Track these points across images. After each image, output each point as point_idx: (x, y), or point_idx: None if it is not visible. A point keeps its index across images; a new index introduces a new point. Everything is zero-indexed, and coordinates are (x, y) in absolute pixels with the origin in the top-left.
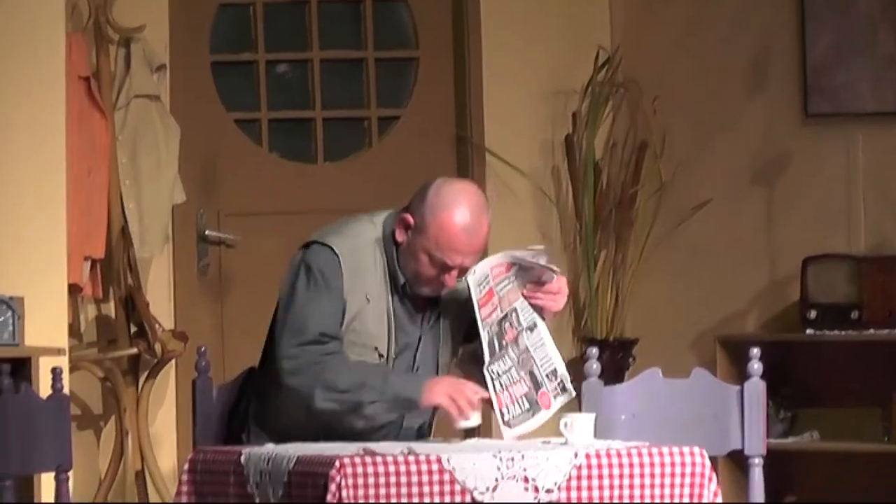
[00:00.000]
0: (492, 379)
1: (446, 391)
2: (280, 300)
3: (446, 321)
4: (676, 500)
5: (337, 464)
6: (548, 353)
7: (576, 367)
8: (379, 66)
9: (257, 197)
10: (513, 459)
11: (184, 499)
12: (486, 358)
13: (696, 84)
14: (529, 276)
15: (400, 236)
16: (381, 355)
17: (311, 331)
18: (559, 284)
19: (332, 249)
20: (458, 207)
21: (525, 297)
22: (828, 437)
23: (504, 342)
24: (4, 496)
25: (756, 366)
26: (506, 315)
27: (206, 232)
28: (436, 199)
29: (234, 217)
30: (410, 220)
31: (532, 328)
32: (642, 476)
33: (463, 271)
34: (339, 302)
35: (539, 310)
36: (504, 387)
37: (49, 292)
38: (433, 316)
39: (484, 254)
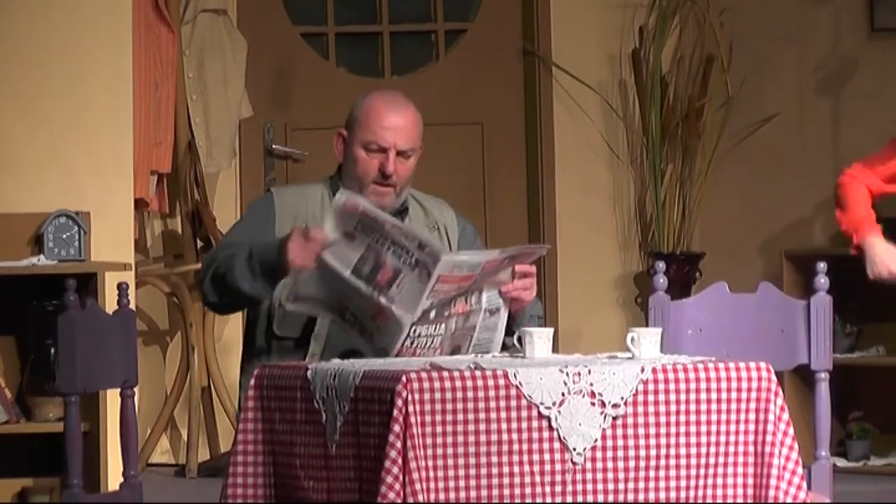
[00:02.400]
0: (408, 336)
1: (299, 254)
2: None
3: None
4: (742, 415)
5: (403, 378)
6: (492, 339)
7: (642, 281)
8: None
9: (324, 111)
10: (579, 374)
11: (250, 414)
12: (414, 317)
13: None
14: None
15: (337, 153)
16: None
17: (218, 245)
18: (531, 280)
19: (270, 191)
20: (380, 95)
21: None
22: (893, 352)
23: (448, 313)
24: (70, 412)
25: (822, 280)
26: (465, 292)
27: (273, 146)
28: (360, 100)
29: (301, 131)
30: (343, 131)
31: (493, 312)
32: (708, 391)
33: (402, 156)
34: (264, 230)
35: (507, 300)
36: (414, 345)
37: (115, 207)
38: None
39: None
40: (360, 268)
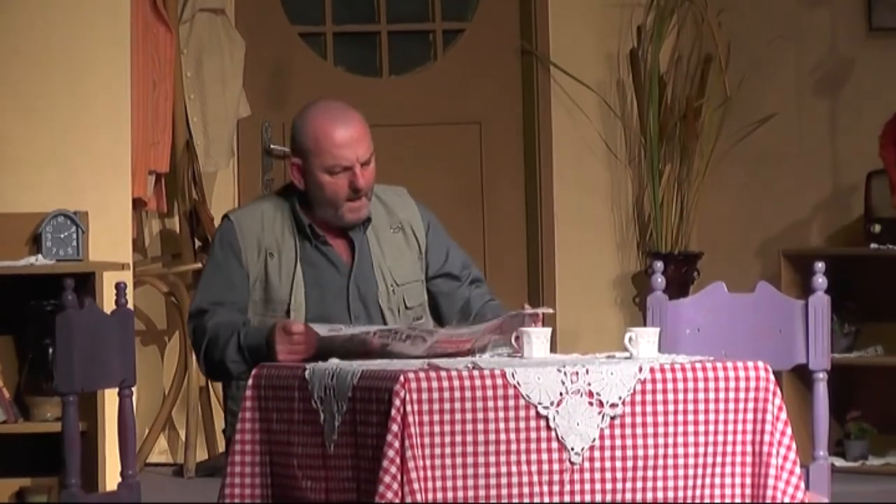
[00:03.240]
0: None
1: (284, 350)
2: None
3: (383, 264)
4: (740, 415)
5: (401, 378)
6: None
7: (640, 281)
8: None
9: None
10: (577, 374)
11: (248, 414)
12: (374, 328)
13: None
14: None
15: (298, 182)
16: (288, 309)
17: (194, 304)
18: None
19: (228, 218)
20: (320, 113)
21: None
22: (891, 352)
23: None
24: (68, 412)
25: (820, 280)
26: (467, 351)
27: (271, 146)
28: (301, 125)
29: None
30: (297, 160)
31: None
32: (706, 391)
33: (365, 165)
34: (235, 267)
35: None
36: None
37: (113, 207)
38: (359, 260)
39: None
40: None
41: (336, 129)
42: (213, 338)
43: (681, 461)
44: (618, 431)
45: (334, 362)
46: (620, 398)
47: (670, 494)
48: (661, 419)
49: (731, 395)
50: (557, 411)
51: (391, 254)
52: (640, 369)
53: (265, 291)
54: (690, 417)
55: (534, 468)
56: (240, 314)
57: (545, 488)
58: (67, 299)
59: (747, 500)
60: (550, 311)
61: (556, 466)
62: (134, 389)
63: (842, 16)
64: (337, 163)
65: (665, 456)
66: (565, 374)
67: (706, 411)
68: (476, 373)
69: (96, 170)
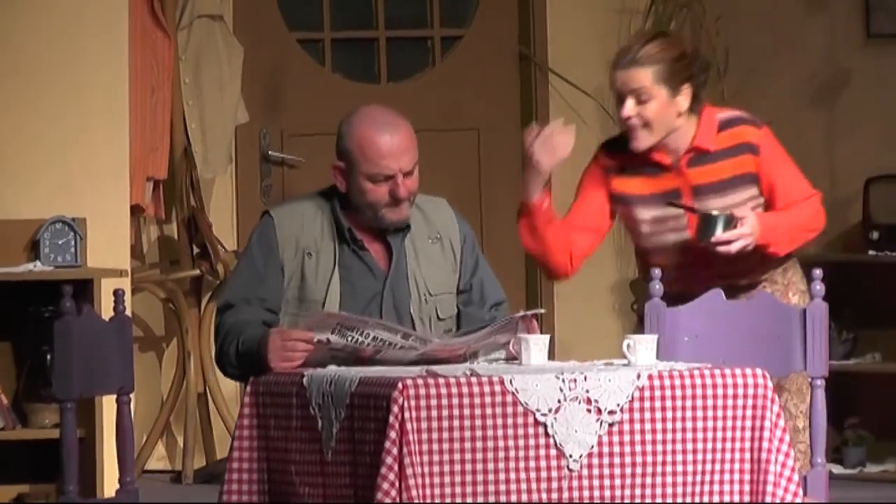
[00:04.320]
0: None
1: (276, 357)
2: None
3: (418, 273)
4: (738, 421)
5: (399, 385)
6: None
7: (640, 287)
8: None
9: (320, 117)
10: (575, 381)
11: (246, 421)
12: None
13: (758, 4)
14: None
15: (340, 185)
16: (323, 306)
17: (223, 298)
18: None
19: (269, 214)
20: (367, 120)
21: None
22: (889, 359)
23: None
24: (66, 418)
25: (818, 287)
26: (460, 357)
27: (269, 152)
28: (347, 129)
29: (296, 137)
30: (340, 163)
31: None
32: (704, 398)
33: (408, 175)
34: (271, 263)
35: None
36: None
37: (111, 213)
38: (395, 268)
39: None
40: (338, 356)
41: (381, 138)
42: (227, 336)
43: (679, 468)
44: (616, 438)
45: (332, 369)
46: (618, 405)
47: (669, 501)
48: (659, 426)
49: (730, 402)
50: (556, 418)
51: (427, 263)
52: (638, 376)
53: (300, 290)
54: (689, 424)
55: (532, 475)
56: (266, 312)
57: (543, 495)
58: (66, 306)
59: None
60: (542, 311)
61: (554, 473)
62: (132, 396)
63: (840, 23)
64: (379, 171)
65: (663, 463)
66: (563, 380)
67: (704, 418)
68: (474, 380)
69: (94, 176)
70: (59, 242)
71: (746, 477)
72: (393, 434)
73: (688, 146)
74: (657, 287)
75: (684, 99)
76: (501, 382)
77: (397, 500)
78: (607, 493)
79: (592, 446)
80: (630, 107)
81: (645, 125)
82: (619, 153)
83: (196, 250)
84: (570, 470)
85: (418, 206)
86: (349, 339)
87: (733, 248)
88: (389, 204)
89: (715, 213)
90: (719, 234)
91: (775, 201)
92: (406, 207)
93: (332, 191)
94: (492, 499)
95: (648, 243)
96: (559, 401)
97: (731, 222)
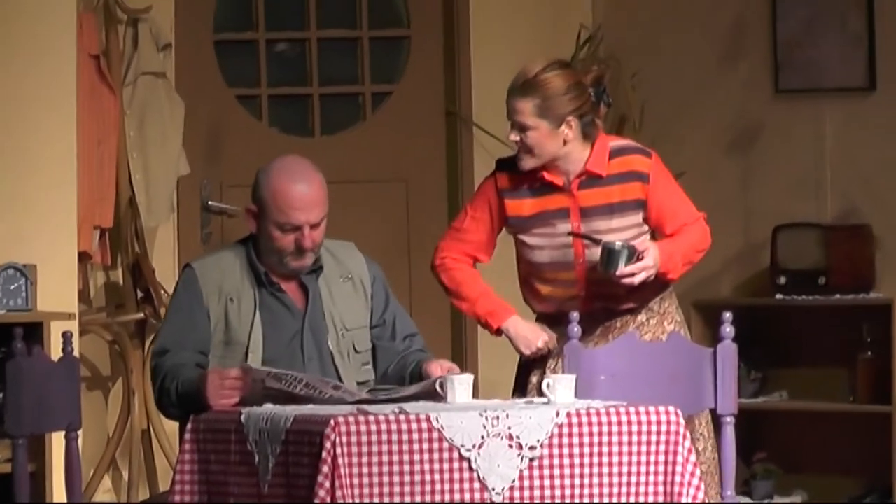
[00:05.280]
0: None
1: (215, 395)
2: None
3: (333, 310)
4: (652, 456)
5: (332, 422)
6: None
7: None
8: (373, 44)
9: (257, 169)
10: (498, 418)
11: (187, 456)
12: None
13: (672, 61)
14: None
15: (251, 227)
16: (247, 350)
17: (158, 344)
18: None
19: (190, 266)
20: (283, 172)
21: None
22: (796, 397)
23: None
24: (17, 454)
25: (728, 329)
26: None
27: (209, 202)
28: (264, 178)
29: (235, 188)
30: (254, 207)
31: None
32: (620, 434)
33: (315, 227)
34: (197, 310)
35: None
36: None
37: (60, 260)
38: (312, 306)
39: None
40: (272, 394)
41: (294, 190)
42: (165, 378)
43: (596, 500)
44: (536, 472)
45: (269, 407)
46: (539, 441)
47: None
48: (577, 461)
49: (644, 437)
50: (479, 453)
51: (341, 301)
52: (558, 414)
53: (225, 334)
54: (605, 459)
55: None
56: (199, 355)
57: None
58: (17, 347)
59: None
60: (469, 376)
61: None
62: (80, 433)
63: (751, 78)
64: (288, 221)
65: (581, 496)
66: (487, 418)
67: (620, 453)
68: (403, 417)
69: (44, 225)
70: (11, 287)
71: None
72: (325, 468)
73: (580, 170)
74: (574, 329)
75: (569, 130)
76: (428, 420)
77: None
78: None
79: (514, 480)
80: (514, 133)
81: (527, 151)
82: (513, 172)
83: (140, 295)
84: (493, 503)
85: (329, 250)
86: (283, 382)
87: (636, 280)
88: (293, 253)
89: (618, 245)
90: (622, 267)
91: (664, 224)
92: (309, 257)
93: (247, 239)
94: None
95: (535, 261)
96: (482, 437)
97: (633, 255)
